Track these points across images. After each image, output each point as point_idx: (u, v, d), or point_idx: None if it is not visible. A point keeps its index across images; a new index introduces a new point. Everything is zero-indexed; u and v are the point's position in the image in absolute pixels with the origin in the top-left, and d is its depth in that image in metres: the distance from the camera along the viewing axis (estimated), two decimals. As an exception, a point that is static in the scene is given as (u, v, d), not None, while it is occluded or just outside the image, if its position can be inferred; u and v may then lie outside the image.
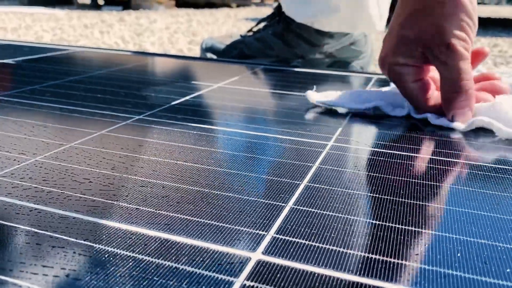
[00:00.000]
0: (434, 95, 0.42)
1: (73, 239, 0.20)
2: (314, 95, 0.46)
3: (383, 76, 0.66)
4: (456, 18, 0.38)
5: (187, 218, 0.23)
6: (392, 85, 0.50)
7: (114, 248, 0.20)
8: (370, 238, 0.21)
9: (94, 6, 3.49)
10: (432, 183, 0.28)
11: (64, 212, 0.23)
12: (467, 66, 0.38)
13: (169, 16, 2.59)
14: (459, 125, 0.39)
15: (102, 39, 1.43)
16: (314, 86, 0.55)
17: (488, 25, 2.45)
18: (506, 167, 0.31)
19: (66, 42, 1.34)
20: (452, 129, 0.40)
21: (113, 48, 0.83)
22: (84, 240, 0.20)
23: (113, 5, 3.40)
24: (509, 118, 0.38)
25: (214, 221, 0.22)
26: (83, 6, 3.42)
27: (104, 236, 0.21)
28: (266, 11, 3.57)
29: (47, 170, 0.28)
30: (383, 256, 0.20)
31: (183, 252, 0.20)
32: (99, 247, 0.20)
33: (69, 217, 0.22)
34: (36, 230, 0.21)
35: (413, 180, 0.28)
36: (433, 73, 0.44)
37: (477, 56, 0.43)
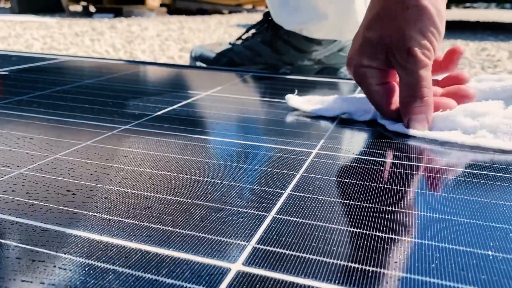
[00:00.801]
0: (397, 101, 0.42)
1: (53, 253, 0.20)
2: (294, 100, 0.47)
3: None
4: (419, 24, 0.38)
5: (168, 230, 0.23)
6: None
7: (94, 261, 0.20)
8: (350, 246, 0.22)
9: (86, 13, 3.49)
10: (413, 190, 0.29)
11: (46, 225, 0.23)
12: (426, 74, 0.38)
13: (160, 23, 2.59)
14: (414, 132, 0.39)
15: (92, 47, 1.43)
16: (296, 90, 0.55)
17: (476, 29, 2.48)
18: (485, 172, 0.32)
19: (56, 51, 1.33)
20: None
21: (103, 57, 0.83)
22: (65, 254, 0.20)
23: (104, 13, 3.40)
24: (465, 127, 0.38)
25: (196, 232, 0.23)
26: (74, 14, 3.42)
27: (85, 249, 0.21)
28: (258, 17, 3.59)
29: (30, 182, 0.28)
30: (363, 264, 0.20)
31: (164, 264, 0.20)
32: (79, 260, 0.20)
33: (51, 230, 0.22)
34: (16, 244, 0.21)
35: (395, 188, 0.29)
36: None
37: (452, 56, 0.43)
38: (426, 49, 0.38)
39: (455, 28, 2.49)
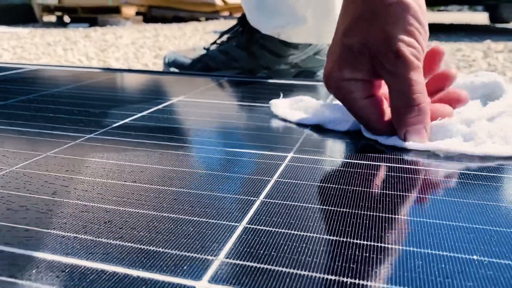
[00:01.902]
0: (387, 113, 0.37)
1: (-4, 277, 0.18)
2: (278, 108, 0.45)
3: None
4: (403, 22, 0.34)
5: (128, 245, 0.21)
6: None
7: (44, 284, 0.18)
8: (327, 256, 0.20)
9: (60, 24, 3.43)
10: (391, 192, 0.27)
11: (-9, 246, 0.21)
12: (417, 77, 0.34)
13: (136, 32, 2.56)
14: (412, 144, 0.35)
15: (65, 56, 1.40)
16: (281, 94, 0.53)
17: (451, 31, 2.52)
18: (466, 172, 0.31)
19: (26, 61, 1.30)
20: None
21: (73, 65, 0.81)
22: (9, 277, 0.18)
23: (79, 22, 3.35)
24: (463, 134, 0.35)
25: (158, 248, 0.21)
26: (48, 24, 3.36)
27: (33, 271, 0.19)
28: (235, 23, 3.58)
29: (-21, 198, 0.26)
30: (340, 276, 0.19)
31: (122, 284, 0.18)
32: (24, 284, 0.18)
33: (-4, 251, 0.20)
34: (-45, 269, 0.19)
35: (372, 191, 0.27)
36: (384, 89, 0.38)
37: (433, 58, 0.38)
38: (414, 48, 0.34)
39: (430, 31, 2.52)
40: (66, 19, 3.66)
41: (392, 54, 0.34)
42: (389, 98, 0.35)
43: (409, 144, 0.35)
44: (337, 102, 0.47)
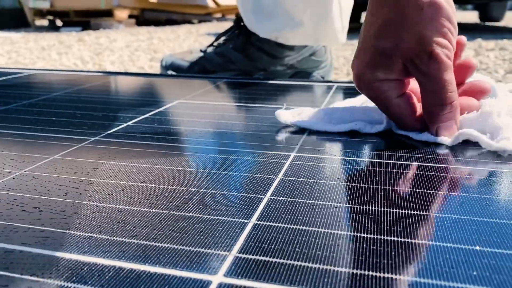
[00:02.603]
0: (418, 109, 0.39)
1: (17, 275, 0.19)
2: (285, 115, 0.43)
3: (344, 84, 0.66)
4: (436, 23, 0.35)
5: (143, 243, 0.21)
6: (361, 100, 0.49)
7: (63, 281, 0.18)
8: (335, 250, 0.21)
9: (52, 28, 3.42)
10: (394, 188, 0.28)
11: (10, 246, 0.21)
12: (450, 76, 0.35)
13: (129, 35, 2.56)
14: (445, 139, 0.36)
15: (60, 60, 1.40)
16: (284, 104, 0.52)
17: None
18: (466, 167, 0.32)
19: (22, 65, 1.29)
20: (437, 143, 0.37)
21: (70, 69, 0.81)
22: (31, 276, 0.19)
23: (72, 26, 3.34)
24: (496, 126, 0.36)
25: (173, 245, 0.21)
26: (41, 28, 3.35)
27: (53, 269, 0.19)
28: (228, 25, 3.59)
29: (-7, 201, 0.26)
30: (349, 268, 0.19)
31: (140, 280, 0.19)
32: (46, 282, 0.18)
33: (15, 251, 0.21)
34: (-23, 269, 0.19)
35: (377, 187, 0.28)
36: (411, 84, 0.40)
37: (464, 71, 0.39)
38: (447, 49, 0.35)
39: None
40: (58, 23, 3.65)
41: (426, 56, 0.35)
42: (422, 97, 0.37)
43: (442, 139, 0.36)
44: (335, 105, 0.47)
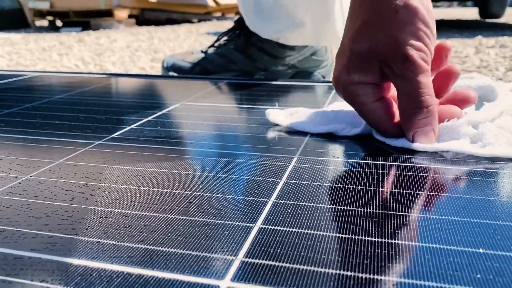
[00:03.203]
0: (396, 115, 0.38)
1: (28, 282, 0.19)
2: (274, 115, 0.43)
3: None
4: (411, 26, 0.34)
5: (150, 248, 0.22)
6: None
7: (73, 287, 0.19)
8: (340, 253, 0.21)
9: (52, 28, 3.42)
10: (398, 191, 0.28)
11: (19, 252, 0.21)
12: (426, 80, 0.35)
13: (129, 35, 2.56)
14: (419, 146, 0.35)
15: (61, 61, 1.40)
16: (276, 104, 0.53)
17: (441, 27, 2.54)
18: (468, 168, 0.32)
19: (23, 67, 1.30)
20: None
21: (72, 71, 0.81)
22: (41, 282, 0.19)
23: (72, 26, 3.34)
24: (471, 135, 0.36)
25: (180, 249, 0.22)
26: (41, 29, 3.35)
27: (62, 275, 0.20)
28: (228, 24, 3.59)
29: (0, 207, 0.26)
30: (355, 271, 0.20)
31: (148, 286, 0.19)
32: (57, 289, 0.19)
33: (24, 257, 0.21)
34: (-13, 275, 0.20)
35: (381, 189, 0.28)
36: (393, 92, 0.39)
37: (440, 54, 0.38)
38: (423, 52, 0.35)
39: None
40: (58, 23, 3.65)
41: (401, 58, 0.34)
42: (398, 101, 0.36)
43: (417, 146, 0.35)
44: (331, 108, 0.48)
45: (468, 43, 1.67)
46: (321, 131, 0.41)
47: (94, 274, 0.20)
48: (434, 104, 0.35)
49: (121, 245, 0.22)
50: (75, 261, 0.21)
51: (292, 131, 0.42)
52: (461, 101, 0.39)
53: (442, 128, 0.36)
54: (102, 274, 0.20)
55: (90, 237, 0.23)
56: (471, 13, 4.95)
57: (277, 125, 0.44)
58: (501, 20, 3.54)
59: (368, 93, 0.37)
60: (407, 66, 0.34)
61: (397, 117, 0.38)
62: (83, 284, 0.19)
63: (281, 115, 0.44)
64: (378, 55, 0.35)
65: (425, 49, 0.35)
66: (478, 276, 0.19)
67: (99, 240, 0.23)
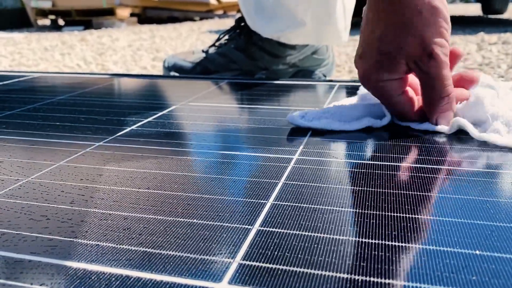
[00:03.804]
0: (417, 103, 0.43)
1: (28, 285, 0.19)
2: (298, 120, 0.43)
3: (346, 83, 0.67)
4: (434, 25, 0.38)
5: (149, 251, 0.22)
6: (361, 93, 0.50)
7: (72, 291, 0.19)
8: (338, 256, 0.21)
9: (54, 27, 3.42)
10: (396, 191, 0.28)
11: (19, 256, 0.22)
12: (447, 72, 0.39)
13: (131, 33, 2.56)
14: (443, 127, 0.40)
15: (63, 61, 1.40)
16: (293, 108, 0.52)
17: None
18: (465, 168, 0.32)
19: (25, 67, 1.30)
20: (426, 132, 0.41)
21: (74, 71, 0.82)
22: (40, 285, 0.19)
23: (74, 25, 3.35)
24: (488, 115, 0.39)
25: (178, 252, 0.22)
26: (43, 28, 3.36)
27: (62, 279, 0.20)
28: (229, 22, 3.58)
29: (1, 209, 0.27)
30: (352, 274, 0.20)
31: (146, 289, 0.19)
32: (56, 292, 0.19)
33: (24, 260, 0.21)
34: (-12, 279, 0.20)
35: (379, 190, 0.28)
36: (410, 80, 0.44)
37: (453, 59, 0.43)
38: (445, 48, 0.38)
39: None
40: (60, 22, 3.66)
41: (427, 56, 0.38)
42: (422, 92, 0.40)
43: (440, 128, 0.41)
44: (333, 104, 0.48)
45: (470, 40, 1.66)
46: (358, 128, 0.43)
47: (93, 277, 0.20)
48: (453, 91, 0.40)
49: (120, 247, 0.22)
50: (75, 264, 0.21)
51: (292, 130, 0.42)
52: (468, 83, 0.44)
53: (458, 110, 0.42)
54: (101, 277, 0.20)
55: (89, 240, 0.23)
56: (474, 9, 4.93)
57: (277, 123, 0.44)
58: (504, 16, 3.53)
59: (396, 87, 0.41)
60: (432, 63, 0.38)
61: (417, 105, 0.43)
62: (83, 287, 0.19)
63: (303, 119, 0.44)
64: (405, 54, 0.39)
65: (446, 44, 0.39)
66: (474, 278, 0.19)
67: (98, 243, 0.23)
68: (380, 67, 0.40)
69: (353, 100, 0.50)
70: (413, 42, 0.38)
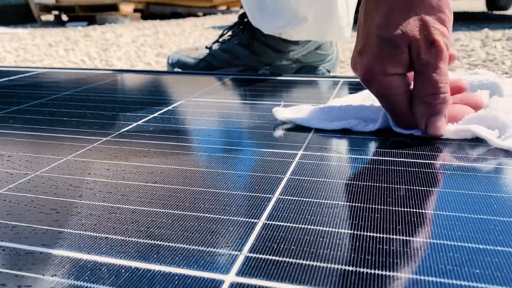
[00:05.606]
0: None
1: (40, 276, 0.20)
2: (281, 112, 0.43)
3: (350, 79, 0.67)
4: (437, 11, 0.36)
5: (158, 244, 0.22)
6: (362, 96, 0.50)
7: (83, 282, 0.19)
8: (344, 249, 0.22)
9: (58, 23, 3.43)
10: (400, 186, 0.29)
11: (30, 248, 0.22)
12: (445, 68, 0.36)
13: (135, 29, 2.56)
14: (451, 135, 0.37)
15: (67, 57, 1.41)
16: (282, 102, 0.53)
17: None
18: (469, 164, 0.32)
19: (30, 63, 1.31)
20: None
21: (78, 67, 0.82)
22: (52, 277, 0.20)
23: (77, 21, 3.35)
24: (503, 123, 0.36)
25: (185, 245, 0.22)
26: (47, 24, 3.36)
27: (73, 270, 0.20)
28: (233, 18, 3.58)
29: (11, 203, 0.27)
30: (358, 267, 0.20)
31: (155, 280, 0.19)
32: (68, 282, 0.19)
33: (36, 252, 0.22)
34: (0, 270, 0.20)
35: (384, 185, 0.29)
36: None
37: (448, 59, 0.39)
38: (446, 38, 0.36)
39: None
40: (64, 18, 3.66)
41: (428, 42, 0.35)
42: (415, 84, 0.37)
43: (449, 136, 0.37)
44: (335, 102, 0.48)
45: (474, 36, 1.66)
46: (335, 128, 0.41)
47: (103, 269, 0.20)
48: (449, 93, 0.36)
49: (128, 240, 0.23)
50: (85, 256, 0.21)
51: (296, 127, 0.42)
52: (456, 89, 0.41)
53: (470, 119, 0.38)
54: (110, 268, 0.20)
55: (99, 233, 0.23)
56: (478, 4, 4.91)
57: (281, 121, 0.44)
58: (509, 12, 3.51)
59: (402, 84, 0.37)
60: (432, 51, 0.35)
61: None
62: (93, 278, 0.20)
63: (289, 112, 0.44)
64: (407, 39, 0.35)
65: (448, 35, 0.36)
66: (477, 271, 0.20)
67: (107, 235, 0.23)
68: (383, 58, 0.36)
69: (355, 97, 0.49)
70: (414, 25, 0.35)
